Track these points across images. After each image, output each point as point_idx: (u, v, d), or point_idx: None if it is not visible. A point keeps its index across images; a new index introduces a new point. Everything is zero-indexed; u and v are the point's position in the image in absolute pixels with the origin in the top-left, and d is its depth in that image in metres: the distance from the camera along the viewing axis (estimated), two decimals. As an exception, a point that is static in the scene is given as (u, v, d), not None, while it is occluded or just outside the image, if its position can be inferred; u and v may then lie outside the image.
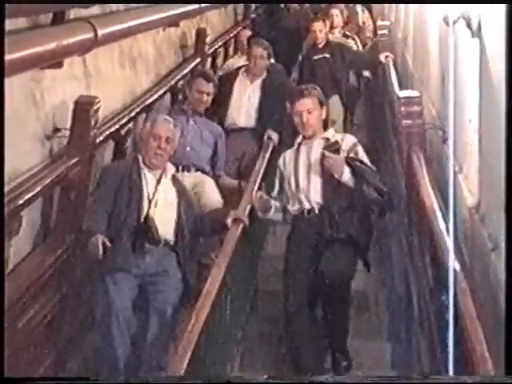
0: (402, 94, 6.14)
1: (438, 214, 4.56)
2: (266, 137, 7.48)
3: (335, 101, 8.61)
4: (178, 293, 5.21)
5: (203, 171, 6.48)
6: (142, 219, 5.13)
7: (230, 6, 12.05)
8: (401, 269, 5.92)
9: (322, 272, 5.21)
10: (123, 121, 6.27)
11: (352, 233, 5.27)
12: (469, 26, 4.40)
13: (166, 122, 5.47)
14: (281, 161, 5.69)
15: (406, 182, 5.83)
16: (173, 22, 8.08)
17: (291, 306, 5.30)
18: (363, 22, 11.99)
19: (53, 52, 4.88)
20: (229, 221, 5.29)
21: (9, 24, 4.44)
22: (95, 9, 5.66)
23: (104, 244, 4.81)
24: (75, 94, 5.53)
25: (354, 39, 11.03)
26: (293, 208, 5.48)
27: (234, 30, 11.53)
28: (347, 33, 11.17)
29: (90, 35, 5.31)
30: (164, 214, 5.21)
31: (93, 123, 5.42)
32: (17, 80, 4.72)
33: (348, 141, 5.50)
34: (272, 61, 8.24)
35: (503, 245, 3.60)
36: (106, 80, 6.30)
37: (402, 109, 5.81)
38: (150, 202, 5.19)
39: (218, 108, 7.20)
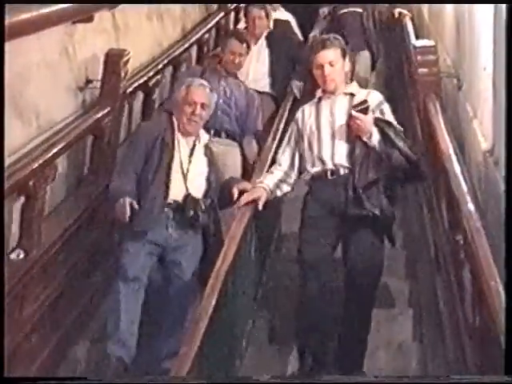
0: (418, 43, 6.07)
1: (454, 158, 4.54)
2: (288, 88, 7.09)
3: (365, 55, 8.27)
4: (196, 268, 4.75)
5: (233, 138, 6.03)
6: (182, 196, 4.68)
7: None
8: (417, 210, 5.91)
9: (348, 263, 4.54)
10: (151, 73, 6.25)
11: (379, 208, 4.48)
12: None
13: (202, 87, 4.96)
14: (299, 115, 4.85)
15: (421, 129, 5.80)
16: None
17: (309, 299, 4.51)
18: None
19: (84, 6, 4.85)
20: (235, 190, 4.77)
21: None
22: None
23: (132, 206, 4.46)
24: (105, 47, 5.51)
25: None
26: (314, 169, 4.66)
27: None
28: None
29: (119, -10, 5.28)
30: (194, 186, 4.77)
31: (123, 75, 5.40)
32: (50, 34, 4.71)
33: (373, 98, 4.71)
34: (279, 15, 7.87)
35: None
36: (135, 33, 6.27)
37: (418, 58, 5.74)
38: (184, 174, 4.75)
39: None
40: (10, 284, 4.03)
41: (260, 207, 4.65)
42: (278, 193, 4.78)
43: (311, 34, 8.33)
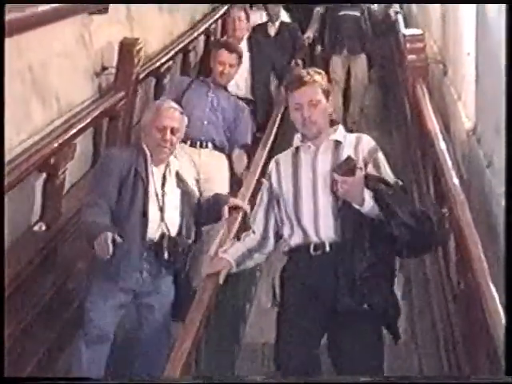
0: (407, 32, 6.07)
1: (439, 136, 4.53)
2: (280, 96, 6.09)
3: (362, 59, 7.93)
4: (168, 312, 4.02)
5: (220, 149, 5.32)
6: (158, 235, 3.89)
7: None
8: (406, 184, 5.89)
9: (337, 367, 3.38)
10: (162, 60, 6.19)
11: (380, 299, 3.31)
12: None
13: (171, 109, 4.15)
14: (272, 168, 3.65)
15: (410, 110, 5.78)
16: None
17: None
18: None
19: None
20: (225, 209, 4.16)
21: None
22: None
23: (114, 242, 3.62)
24: (120, 35, 5.46)
25: None
26: (293, 239, 3.49)
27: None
28: None
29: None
30: (171, 222, 3.97)
31: (136, 62, 5.35)
32: (68, 24, 4.68)
33: (364, 144, 3.51)
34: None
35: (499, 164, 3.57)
36: (147, 23, 6.22)
37: (407, 45, 5.74)
38: (160, 208, 3.95)
39: None
40: (30, 255, 4.03)
41: (221, 281, 3.62)
42: (249, 263, 3.70)
43: (305, 35, 7.99)
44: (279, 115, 5.97)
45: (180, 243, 3.95)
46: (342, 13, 7.95)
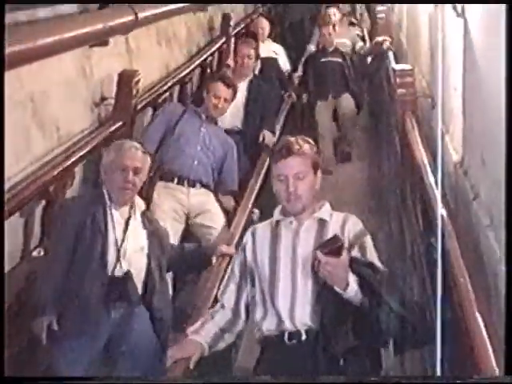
0: (397, 67, 6.12)
1: (428, 168, 4.54)
2: (261, 137, 5.97)
3: (347, 98, 7.88)
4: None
5: (208, 188, 5.13)
6: (111, 273, 3.67)
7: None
8: (396, 215, 5.90)
9: None
10: (160, 91, 6.22)
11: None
12: (454, 7, 4.33)
13: (133, 149, 3.90)
14: (248, 240, 3.29)
15: (400, 142, 5.80)
16: (202, 7, 7.99)
17: None
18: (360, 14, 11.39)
19: (100, 32, 4.84)
20: (213, 259, 4.01)
21: (62, 8, 4.44)
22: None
23: (50, 327, 3.49)
24: (119, 67, 5.49)
25: (359, 26, 10.23)
26: (265, 323, 3.11)
27: (254, 14, 11.40)
28: (353, 20, 10.59)
29: (132, 17, 5.24)
30: (134, 267, 3.74)
31: (134, 93, 5.36)
32: (70, 56, 4.70)
33: (351, 225, 3.18)
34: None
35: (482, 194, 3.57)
36: (145, 56, 6.24)
37: (397, 80, 5.78)
38: (118, 251, 3.70)
39: None
40: (30, 278, 3.99)
41: (191, 366, 3.11)
42: (220, 345, 3.23)
43: (296, 75, 8.10)
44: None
45: (148, 283, 3.77)
46: (323, 59, 7.99)
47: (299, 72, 8.31)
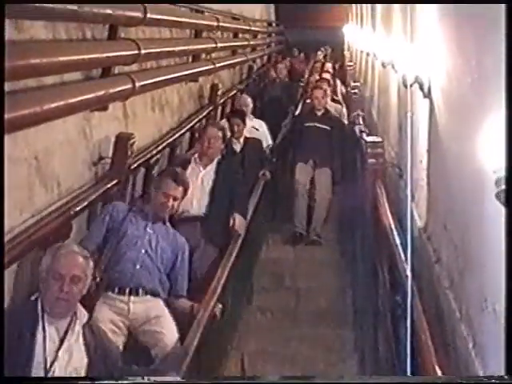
0: (369, 139, 6.19)
1: (395, 231, 4.59)
2: (231, 221, 5.37)
3: (327, 173, 7.72)
4: None
5: (154, 293, 4.39)
6: None
7: (237, 68, 12.03)
8: (368, 273, 5.94)
9: None
10: (152, 153, 6.28)
11: None
12: (421, 88, 4.43)
13: (71, 254, 3.31)
14: None
15: (370, 208, 5.85)
16: (193, 78, 8.10)
17: None
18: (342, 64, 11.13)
19: (100, 98, 4.91)
20: None
21: (66, 77, 4.50)
22: (134, 66, 5.68)
23: None
24: (116, 130, 5.55)
25: (341, 104, 10.35)
26: None
27: (239, 85, 11.59)
28: (335, 97, 10.57)
29: (129, 86, 5.32)
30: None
31: (129, 153, 5.43)
32: (72, 119, 4.76)
33: None
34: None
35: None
36: (140, 121, 6.31)
37: (369, 150, 5.85)
38: (46, 374, 3.01)
39: None
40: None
41: None
42: None
43: (277, 142, 7.99)
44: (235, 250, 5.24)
45: None
46: (309, 124, 7.96)
47: (279, 138, 8.30)
